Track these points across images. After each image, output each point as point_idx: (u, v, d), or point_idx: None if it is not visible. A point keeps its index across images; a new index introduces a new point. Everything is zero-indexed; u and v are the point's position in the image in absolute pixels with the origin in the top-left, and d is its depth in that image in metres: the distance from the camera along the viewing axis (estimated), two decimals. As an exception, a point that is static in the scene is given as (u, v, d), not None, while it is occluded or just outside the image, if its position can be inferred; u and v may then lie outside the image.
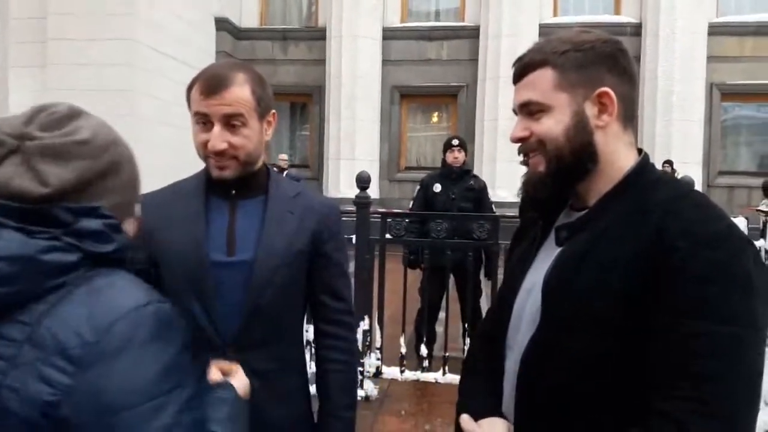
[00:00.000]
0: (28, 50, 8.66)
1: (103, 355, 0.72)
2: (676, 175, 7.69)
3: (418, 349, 4.29)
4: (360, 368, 3.58)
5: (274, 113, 1.33)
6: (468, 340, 4.18)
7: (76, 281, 0.77)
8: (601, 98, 0.94)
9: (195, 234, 1.26)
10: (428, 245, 4.01)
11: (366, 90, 11.28)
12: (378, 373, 4.07)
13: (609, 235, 0.90)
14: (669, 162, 9.50)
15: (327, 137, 11.59)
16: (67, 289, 0.76)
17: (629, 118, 0.98)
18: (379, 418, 3.52)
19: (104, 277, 0.79)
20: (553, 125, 0.95)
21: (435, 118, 12.40)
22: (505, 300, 1.09)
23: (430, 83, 11.75)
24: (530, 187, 1.01)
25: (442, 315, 4.37)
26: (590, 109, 0.95)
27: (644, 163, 0.97)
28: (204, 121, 1.23)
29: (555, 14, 11.48)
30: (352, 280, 1.99)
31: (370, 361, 4.04)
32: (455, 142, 4.70)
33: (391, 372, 4.11)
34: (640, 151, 1.00)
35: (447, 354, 4.06)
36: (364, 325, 3.86)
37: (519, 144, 1.01)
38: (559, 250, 0.98)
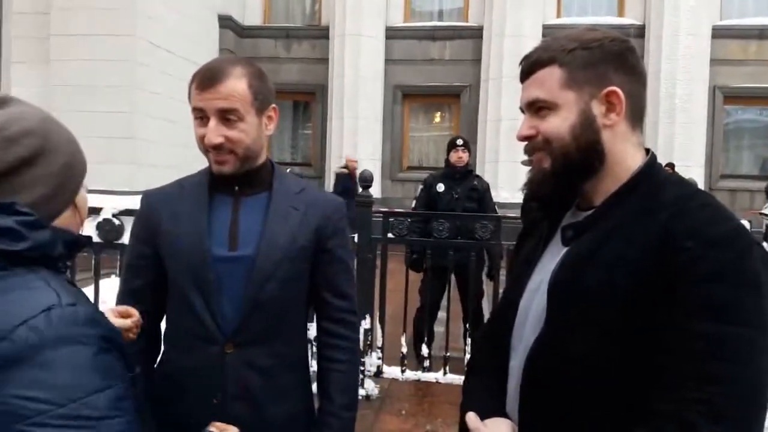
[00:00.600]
0: (30, 46, 8.68)
1: (3, 364, 0.68)
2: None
3: (416, 348, 4.29)
4: (361, 367, 3.57)
5: (275, 108, 1.32)
6: (469, 341, 4.17)
7: None
8: (608, 97, 0.93)
9: (198, 229, 1.27)
10: (430, 245, 4.00)
11: (369, 89, 11.28)
12: (379, 373, 4.07)
13: (616, 235, 0.90)
14: (670, 165, 9.47)
15: (329, 136, 11.59)
16: None
17: (637, 117, 0.97)
18: (380, 417, 3.51)
19: (18, 278, 0.75)
20: (560, 124, 0.94)
21: (437, 118, 12.39)
22: (510, 299, 1.08)
23: (432, 83, 11.74)
24: (534, 185, 1.00)
25: (441, 315, 4.37)
26: (597, 108, 0.94)
27: (652, 163, 0.96)
28: (201, 115, 1.23)
29: (558, 15, 11.47)
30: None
31: (371, 361, 4.04)
32: (459, 142, 4.70)
33: (391, 371, 4.11)
34: (647, 151, 0.99)
35: (448, 354, 4.06)
36: (365, 324, 3.86)
37: (525, 143, 1.00)
38: (565, 249, 0.97)
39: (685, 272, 0.80)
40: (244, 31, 12.13)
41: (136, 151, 8.50)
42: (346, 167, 9.52)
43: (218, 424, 1.10)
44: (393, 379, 4.06)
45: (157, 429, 1.27)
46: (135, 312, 1.27)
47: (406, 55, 11.73)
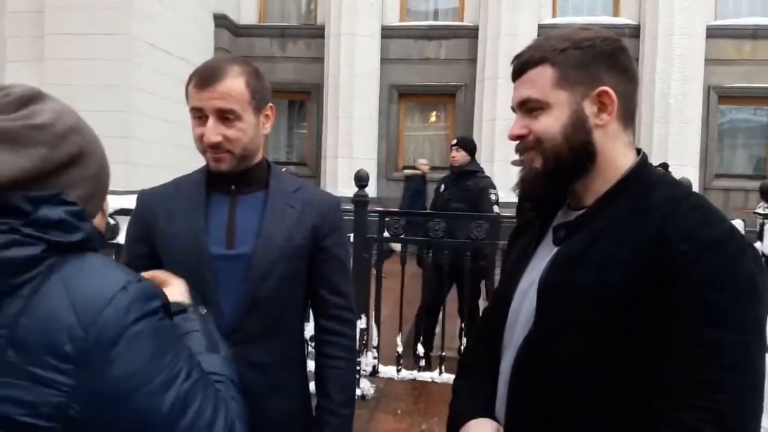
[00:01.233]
0: (25, 45, 8.63)
1: (98, 347, 0.69)
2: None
3: (416, 347, 4.30)
4: (357, 367, 3.57)
5: (271, 107, 1.33)
6: (464, 340, 4.18)
7: (46, 270, 0.72)
8: (600, 97, 0.93)
9: (195, 227, 1.27)
10: (425, 244, 4.01)
11: (364, 88, 11.26)
12: (374, 372, 4.07)
13: (607, 236, 0.90)
14: (664, 165, 9.46)
15: (325, 135, 11.57)
16: (38, 281, 0.71)
17: (629, 117, 0.97)
18: (375, 416, 3.52)
19: (76, 263, 0.74)
20: (552, 123, 0.94)
21: (433, 118, 12.39)
22: (502, 299, 1.08)
23: (428, 82, 11.74)
24: (526, 184, 1.00)
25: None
26: (589, 108, 0.94)
27: (643, 163, 0.96)
28: (199, 115, 1.23)
29: (554, 15, 11.48)
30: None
31: (367, 360, 4.04)
32: (453, 141, 4.79)
33: (387, 371, 4.11)
34: (638, 151, 0.99)
35: (444, 354, 4.06)
36: (361, 323, 3.86)
37: (517, 142, 1.00)
38: (556, 249, 0.97)
39: (680, 276, 0.80)
40: (239, 30, 12.10)
41: (131, 150, 8.46)
42: (417, 169, 9.50)
43: (154, 273, 1.10)
44: (389, 378, 4.06)
45: None
46: None
47: (402, 55, 11.72)
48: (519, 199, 1.08)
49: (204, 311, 1.02)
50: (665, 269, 0.81)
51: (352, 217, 3.87)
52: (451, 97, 11.83)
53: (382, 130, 11.77)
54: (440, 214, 4.14)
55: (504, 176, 9.82)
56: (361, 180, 3.87)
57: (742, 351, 0.79)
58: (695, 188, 9.26)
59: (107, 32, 8.31)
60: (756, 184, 8.67)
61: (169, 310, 0.81)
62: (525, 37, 10.02)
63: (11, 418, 0.67)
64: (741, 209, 9.35)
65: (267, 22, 12.37)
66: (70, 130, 0.79)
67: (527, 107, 0.97)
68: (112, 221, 3.28)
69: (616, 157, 0.96)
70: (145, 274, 1.00)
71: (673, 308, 0.80)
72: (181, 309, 1.01)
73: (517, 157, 1.02)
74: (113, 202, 3.47)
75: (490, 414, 1.03)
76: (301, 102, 12.50)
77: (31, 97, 0.77)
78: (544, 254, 1.00)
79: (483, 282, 4.39)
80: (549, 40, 0.97)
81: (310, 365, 1.45)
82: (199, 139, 1.24)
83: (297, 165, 11.88)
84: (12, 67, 8.74)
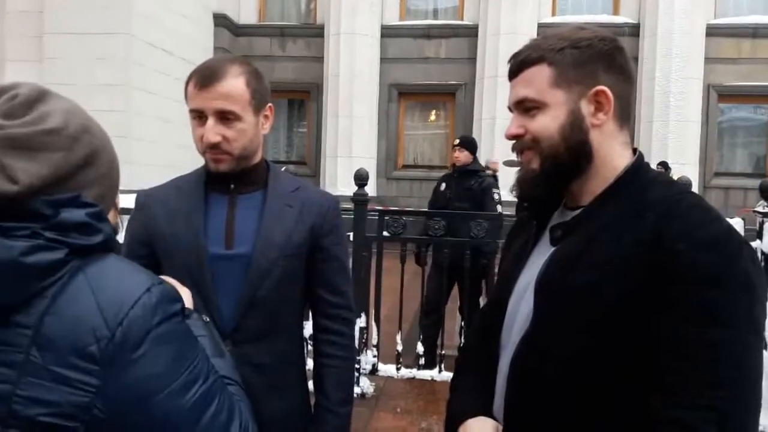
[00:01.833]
0: (24, 44, 8.63)
1: (124, 348, 0.69)
2: (671, 176, 7.67)
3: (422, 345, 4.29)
4: (356, 365, 3.58)
5: (271, 107, 1.33)
6: (464, 339, 4.18)
7: (70, 272, 0.72)
8: (597, 96, 0.93)
9: (194, 227, 1.27)
10: (425, 243, 4.02)
11: (364, 88, 11.26)
12: (374, 370, 4.08)
13: (604, 236, 0.90)
14: (663, 163, 9.47)
15: (324, 134, 11.57)
16: (62, 282, 0.71)
17: (625, 117, 0.97)
18: (375, 414, 3.52)
19: (99, 264, 0.74)
20: (549, 123, 0.94)
21: (433, 117, 12.39)
22: (499, 299, 1.08)
23: (428, 81, 11.74)
24: (524, 185, 1.00)
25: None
26: (586, 107, 0.94)
27: (639, 163, 0.96)
28: (199, 115, 1.23)
29: (553, 14, 11.48)
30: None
31: (367, 358, 4.05)
32: (456, 141, 4.80)
33: (387, 369, 4.12)
34: (634, 150, 0.99)
35: (443, 352, 4.07)
36: (360, 322, 3.87)
37: (514, 141, 1.00)
38: (553, 249, 0.97)
39: (678, 276, 0.80)
40: (239, 30, 12.10)
41: (131, 150, 8.46)
42: (489, 168, 9.49)
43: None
44: (388, 376, 4.07)
45: None
46: None
47: (402, 54, 11.72)
48: (518, 199, 1.08)
49: (207, 319, 1.03)
50: (662, 269, 0.81)
51: (352, 216, 3.87)
52: (451, 96, 11.83)
53: (381, 129, 11.77)
54: (442, 213, 4.14)
55: (503, 174, 9.83)
56: (360, 179, 3.87)
57: (740, 349, 0.79)
58: (695, 187, 9.28)
59: (107, 32, 8.31)
60: (755, 182, 8.66)
61: (186, 313, 0.83)
62: (524, 36, 10.02)
63: (32, 418, 0.66)
64: (740, 208, 9.36)
65: (267, 21, 12.37)
66: (81, 130, 0.78)
67: (524, 107, 0.97)
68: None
69: (613, 156, 0.96)
70: None
71: (670, 307, 0.81)
72: (186, 315, 1.02)
73: (513, 157, 1.02)
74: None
75: (488, 412, 1.03)
76: (301, 101, 12.50)
77: (37, 98, 0.76)
78: (541, 254, 1.00)
79: (483, 280, 4.40)
80: (546, 40, 0.97)
81: (309, 364, 1.46)
82: (199, 139, 1.24)
83: (296, 164, 11.88)
84: (11, 66, 8.73)
